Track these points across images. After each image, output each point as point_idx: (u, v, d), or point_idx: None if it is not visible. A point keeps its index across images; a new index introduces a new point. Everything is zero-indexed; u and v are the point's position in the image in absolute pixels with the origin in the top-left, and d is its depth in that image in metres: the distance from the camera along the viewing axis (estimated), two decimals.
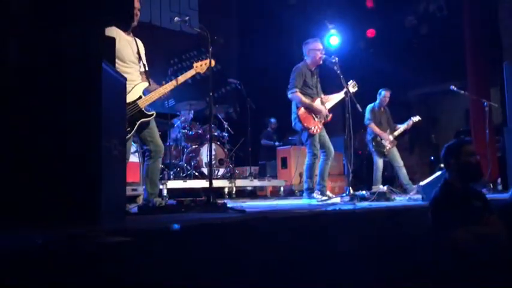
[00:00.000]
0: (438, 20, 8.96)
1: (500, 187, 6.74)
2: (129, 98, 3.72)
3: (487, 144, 7.28)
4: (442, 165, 3.43)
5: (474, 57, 8.17)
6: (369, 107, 7.22)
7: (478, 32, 8.16)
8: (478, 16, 8.16)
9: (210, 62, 4.13)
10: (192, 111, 7.59)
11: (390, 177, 8.18)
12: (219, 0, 9.97)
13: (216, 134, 7.39)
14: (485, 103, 7.07)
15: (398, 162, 7.02)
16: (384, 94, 7.19)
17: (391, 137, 7.05)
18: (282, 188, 7.63)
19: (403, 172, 6.98)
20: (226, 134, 7.68)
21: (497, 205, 4.33)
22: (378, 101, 7.24)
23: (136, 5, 4.01)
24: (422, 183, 5.67)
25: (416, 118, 7.25)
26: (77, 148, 2.14)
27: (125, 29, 3.89)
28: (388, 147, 6.99)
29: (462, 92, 7.29)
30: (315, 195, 5.37)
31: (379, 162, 7.14)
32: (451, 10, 8.68)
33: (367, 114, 7.16)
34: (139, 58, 4.08)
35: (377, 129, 7.05)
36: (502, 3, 7.56)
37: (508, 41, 7.45)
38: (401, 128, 7.26)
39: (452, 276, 2.89)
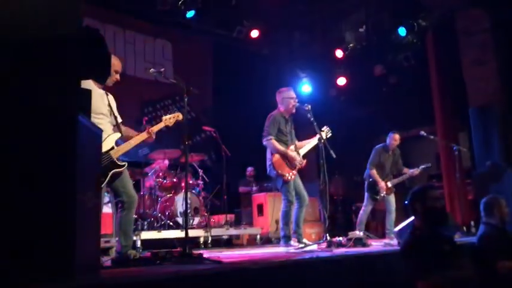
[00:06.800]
0: (406, 69, 9.29)
1: (473, 230, 6.82)
2: (102, 148, 3.71)
3: (458, 187, 7.43)
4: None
5: (441, 103, 8.47)
6: (376, 148, 7.02)
7: (444, 80, 8.49)
8: (443, 65, 8.52)
9: (184, 114, 4.19)
10: (167, 160, 7.56)
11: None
12: (193, 50, 10.14)
13: (190, 182, 7.34)
14: (455, 147, 7.25)
15: (392, 205, 6.80)
16: (392, 137, 6.93)
17: (389, 184, 6.82)
18: (258, 236, 7.55)
19: (391, 217, 6.75)
20: (201, 182, 7.64)
21: (468, 248, 4.41)
22: (386, 144, 7.00)
23: (118, 67, 4.10)
24: (397, 228, 5.72)
25: (425, 166, 7.01)
26: (51, 201, 2.10)
27: (100, 83, 3.95)
28: (382, 195, 6.78)
29: (432, 137, 7.47)
30: (292, 242, 5.34)
31: (368, 207, 6.92)
32: (418, 60, 9.03)
33: (371, 157, 6.95)
34: (111, 111, 4.13)
35: (376, 176, 6.80)
36: (464, 54, 7.92)
37: (472, 89, 7.76)
38: (405, 175, 6.96)
39: None
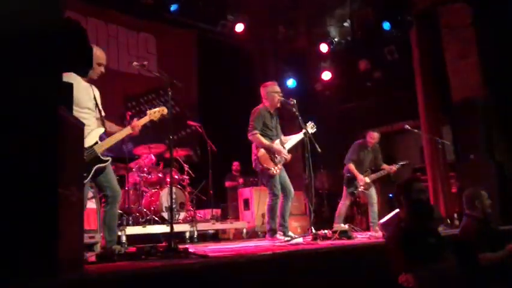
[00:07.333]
0: (390, 63, 9.34)
1: (457, 222, 6.90)
2: (85, 143, 3.67)
3: (442, 180, 7.51)
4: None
5: (425, 97, 8.54)
6: (355, 143, 7.00)
7: (428, 74, 8.56)
8: (427, 59, 8.58)
9: (168, 108, 4.16)
10: (153, 155, 7.50)
11: (349, 215, 8.22)
12: (177, 44, 10.06)
13: (176, 177, 7.30)
14: (439, 141, 7.32)
15: (373, 198, 6.80)
16: (370, 135, 6.93)
17: (367, 179, 6.78)
18: (244, 230, 7.56)
19: (374, 209, 6.77)
20: (186, 177, 7.60)
21: (450, 240, 4.47)
22: (365, 140, 6.96)
23: (102, 60, 4.04)
24: (381, 220, 5.77)
25: (404, 162, 7.00)
26: (32, 196, 2.06)
27: (82, 76, 3.88)
28: (360, 189, 6.76)
29: (416, 130, 7.54)
30: (277, 236, 5.35)
31: (347, 201, 6.91)
32: (402, 54, 9.08)
33: (349, 153, 6.92)
34: (96, 104, 4.07)
35: (354, 170, 6.75)
36: (448, 48, 7.99)
37: (456, 82, 7.83)
38: (383, 171, 6.93)
39: None
